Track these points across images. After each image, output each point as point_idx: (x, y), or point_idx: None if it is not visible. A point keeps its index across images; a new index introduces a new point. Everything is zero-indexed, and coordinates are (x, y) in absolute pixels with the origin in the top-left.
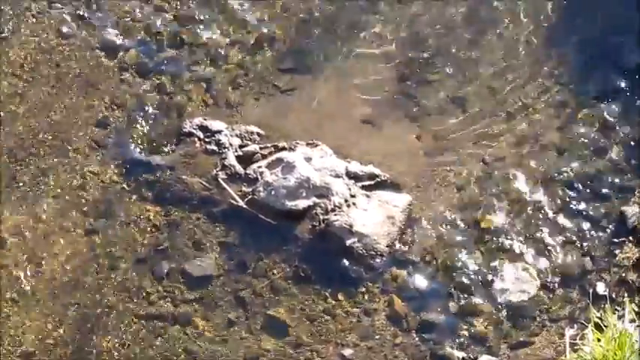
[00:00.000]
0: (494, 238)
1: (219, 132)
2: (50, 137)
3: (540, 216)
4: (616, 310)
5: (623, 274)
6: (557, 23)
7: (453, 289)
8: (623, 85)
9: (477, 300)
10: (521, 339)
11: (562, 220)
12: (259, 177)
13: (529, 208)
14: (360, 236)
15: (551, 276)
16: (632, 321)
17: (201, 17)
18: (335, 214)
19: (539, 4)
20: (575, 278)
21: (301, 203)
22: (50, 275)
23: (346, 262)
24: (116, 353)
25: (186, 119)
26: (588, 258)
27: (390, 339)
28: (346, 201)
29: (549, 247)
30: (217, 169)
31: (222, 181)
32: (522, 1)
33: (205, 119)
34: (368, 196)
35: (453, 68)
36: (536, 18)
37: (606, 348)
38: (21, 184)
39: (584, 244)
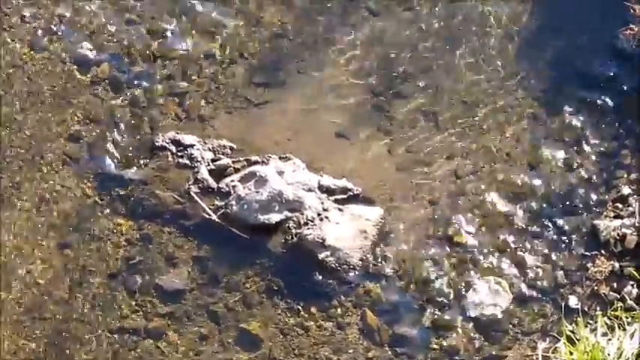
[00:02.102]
0: (467, 252)
1: (192, 146)
2: (22, 151)
3: (513, 230)
4: (588, 323)
5: (596, 288)
6: (530, 37)
7: (425, 303)
8: (594, 99)
9: (450, 313)
10: (494, 352)
11: (534, 233)
12: (232, 191)
13: (501, 222)
14: (332, 250)
15: (523, 289)
16: (605, 334)
17: (174, 31)
18: (308, 228)
19: (512, 18)
20: (548, 292)
21: (274, 217)
22: (22, 289)
23: (319, 276)
24: None
25: (159, 133)
26: (561, 271)
27: (362, 353)
28: (319, 215)
29: (522, 261)
30: (190, 183)
31: (194, 195)
32: (494, 15)
33: (178, 133)
34: (341, 210)
35: (426, 82)
36: (508, 32)
37: None
38: None
39: (557, 257)
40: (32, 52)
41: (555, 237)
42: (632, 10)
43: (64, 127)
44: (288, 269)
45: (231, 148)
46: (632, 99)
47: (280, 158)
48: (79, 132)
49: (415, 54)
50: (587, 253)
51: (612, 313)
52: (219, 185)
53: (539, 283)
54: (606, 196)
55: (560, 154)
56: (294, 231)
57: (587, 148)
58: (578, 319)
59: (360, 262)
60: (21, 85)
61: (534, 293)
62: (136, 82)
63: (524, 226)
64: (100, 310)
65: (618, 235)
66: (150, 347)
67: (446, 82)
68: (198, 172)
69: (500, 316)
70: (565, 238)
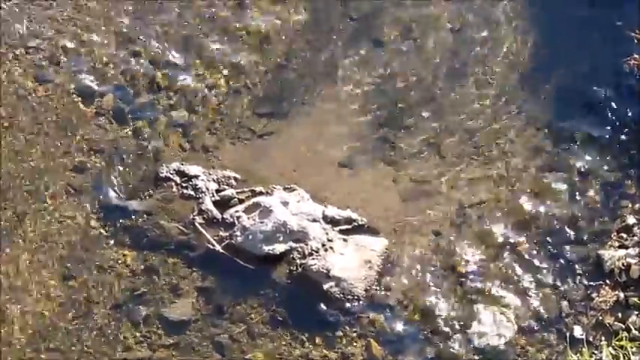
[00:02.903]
0: (471, 282)
1: (196, 177)
2: (27, 182)
3: (517, 260)
4: (593, 353)
5: (600, 318)
6: (533, 67)
7: (430, 334)
8: (598, 129)
9: (454, 344)
10: None
11: (539, 263)
12: (236, 221)
13: (506, 252)
14: (337, 280)
15: (528, 320)
16: None
17: (178, 62)
18: (312, 259)
19: (515, 49)
20: (553, 322)
21: (278, 247)
22: (27, 321)
23: (323, 307)
24: None
25: (163, 164)
26: (565, 301)
27: None
28: (323, 245)
29: (526, 291)
30: (194, 213)
31: (199, 226)
32: (498, 44)
33: (182, 164)
34: (345, 241)
35: (430, 112)
36: (511, 62)
37: None
38: None
39: (561, 287)
40: (36, 84)
41: (560, 267)
42: (636, 40)
43: (68, 158)
44: (292, 300)
45: (236, 179)
46: (635, 128)
47: (285, 189)
48: (83, 163)
49: (419, 85)
50: (591, 283)
51: (617, 343)
52: (224, 216)
53: (543, 313)
54: (611, 226)
55: (564, 184)
56: (298, 261)
57: (591, 177)
58: (583, 349)
59: (365, 293)
60: (25, 116)
61: (539, 323)
62: (140, 114)
63: (528, 256)
64: (104, 342)
65: (623, 265)
66: None
67: (450, 112)
68: (203, 202)
69: (504, 346)
70: (569, 267)
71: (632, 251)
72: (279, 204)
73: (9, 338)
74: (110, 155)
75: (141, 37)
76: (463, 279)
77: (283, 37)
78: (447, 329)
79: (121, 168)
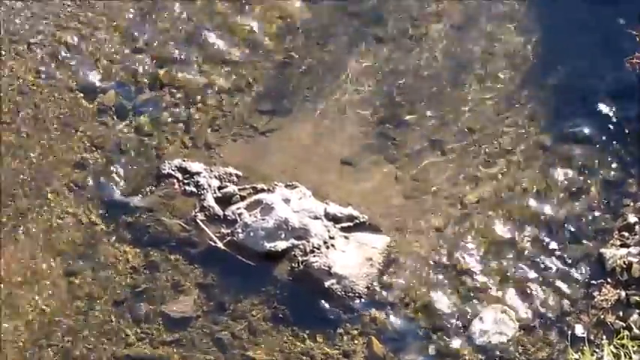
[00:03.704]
0: (473, 280)
1: (198, 173)
2: (29, 178)
3: (519, 258)
4: (594, 352)
5: (602, 316)
6: (535, 65)
7: (431, 331)
8: (599, 127)
9: (456, 342)
10: None
11: (540, 261)
12: (238, 218)
13: (507, 250)
14: (338, 278)
15: (529, 318)
16: None
17: (180, 58)
18: (314, 256)
19: (517, 47)
20: (554, 320)
21: (280, 245)
22: (28, 317)
23: (325, 304)
24: None
25: (165, 161)
26: (566, 300)
27: None
28: (325, 242)
29: (528, 289)
30: (196, 210)
31: (200, 223)
32: (500, 42)
33: (184, 161)
34: (347, 238)
35: (432, 110)
36: (513, 60)
37: None
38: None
39: (563, 286)
40: (39, 80)
41: (561, 265)
42: (637, 39)
43: (70, 155)
44: (294, 297)
45: (238, 176)
46: (637, 127)
47: (286, 186)
48: (85, 159)
49: (421, 82)
50: (593, 281)
51: (618, 341)
52: (226, 213)
53: (545, 311)
54: (612, 225)
55: (566, 182)
56: (300, 259)
57: (592, 176)
58: (584, 347)
59: (366, 290)
60: (27, 113)
61: (540, 321)
62: (142, 110)
63: (529, 254)
64: (105, 338)
65: (624, 263)
66: None
67: (452, 110)
68: (205, 199)
69: (506, 344)
70: (571, 266)
71: (633, 250)
72: (280, 201)
73: (11, 334)
74: (112, 151)
75: (143, 34)
76: (464, 277)
77: (286, 34)
78: (448, 327)
79: (123, 164)
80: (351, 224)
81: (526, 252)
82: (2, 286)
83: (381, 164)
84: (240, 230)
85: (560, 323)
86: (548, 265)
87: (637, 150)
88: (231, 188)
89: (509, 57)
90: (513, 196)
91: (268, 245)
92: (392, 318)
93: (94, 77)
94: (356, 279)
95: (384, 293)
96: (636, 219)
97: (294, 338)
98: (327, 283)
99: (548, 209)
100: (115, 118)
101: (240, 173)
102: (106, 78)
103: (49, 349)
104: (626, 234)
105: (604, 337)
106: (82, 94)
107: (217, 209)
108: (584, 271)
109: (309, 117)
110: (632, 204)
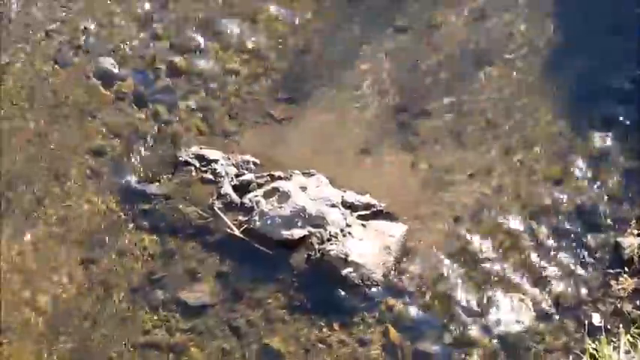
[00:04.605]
0: (490, 269)
1: (216, 161)
2: (46, 165)
3: (535, 246)
4: (611, 341)
5: (619, 305)
6: (554, 54)
7: (448, 320)
8: (618, 116)
9: (472, 330)
10: None
11: (557, 250)
12: (255, 206)
13: (525, 239)
14: (355, 266)
15: (546, 306)
16: (627, 352)
17: (198, 46)
18: (331, 244)
19: (536, 35)
20: (571, 309)
21: (297, 232)
22: (45, 304)
23: (342, 292)
24: None
25: (183, 148)
26: (584, 289)
27: None
28: (342, 230)
29: (545, 278)
30: (213, 198)
31: (218, 210)
32: (519, 31)
33: (202, 148)
34: (364, 226)
35: (450, 99)
36: (532, 49)
37: None
38: (17, 212)
39: (580, 274)
40: (56, 67)
41: (578, 254)
42: None
43: (87, 142)
44: (310, 285)
45: (255, 164)
46: None
47: (303, 174)
48: (102, 147)
49: (439, 71)
50: (610, 270)
51: (635, 330)
52: (243, 200)
53: (562, 300)
54: (630, 213)
55: (584, 171)
56: (317, 247)
57: (610, 164)
58: (601, 336)
59: (383, 279)
60: (46, 100)
61: (557, 310)
62: (159, 97)
63: (547, 242)
64: (123, 325)
65: None
66: None
67: (470, 98)
68: (222, 187)
69: (522, 333)
70: (588, 255)
71: None
72: (297, 189)
73: (28, 322)
74: (129, 139)
75: (161, 21)
76: (481, 265)
77: (303, 22)
78: (464, 315)
79: (141, 152)
80: (368, 212)
81: (543, 240)
82: (19, 273)
83: (399, 153)
84: (257, 218)
85: (577, 312)
86: (565, 254)
87: None
88: (249, 176)
89: (529, 45)
90: (531, 185)
91: (285, 233)
92: (409, 306)
93: (112, 64)
94: (373, 267)
95: (401, 281)
96: None
97: (311, 326)
98: (343, 272)
99: (566, 198)
100: (132, 105)
101: (257, 161)
102: (123, 65)
103: (66, 337)
104: None
105: (621, 326)
106: (99, 82)
107: (234, 197)
108: (601, 260)
109: (327, 105)
110: None
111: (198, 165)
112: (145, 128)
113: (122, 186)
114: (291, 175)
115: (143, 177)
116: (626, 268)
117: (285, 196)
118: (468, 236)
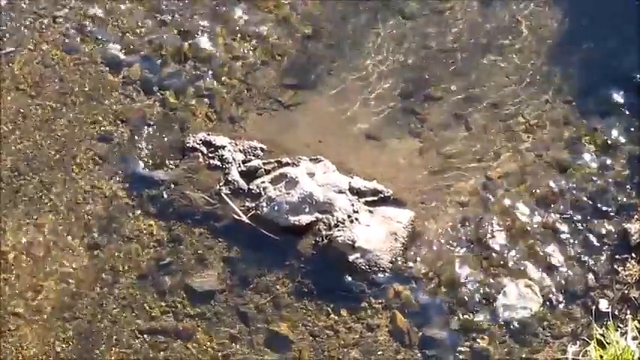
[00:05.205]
0: (497, 255)
1: (223, 147)
2: (54, 152)
3: (543, 233)
4: (619, 327)
5: (626, 292)
6: (560, 41)
7: (455, 306)
8: (625, 103)
9: (479, 316)
10: (524, 356)
11: (565, 237)
12: (262, 192)
13: (532, 225)
14: (362, 252)
15: (554, 293)
16: (635, 338)
17: (205, 32)
18: (338, 230)
19: (543, 22)
20: (578, 295)
21: (304, 219)
22: (53, 289)
23: (349, 278)
24: None
25: (190, 134)
26: (591, 275)
27: (392, 355)
28: (349, 217)
29: (552, 264)
30: (221, 184)
31: (225, 197)
32: (525, 18)
33: (209, 134)
34: (371, 212)
35: (457, 85)
36: (539, 35)
37: None
38: (24, 198)
39: (587, 261)
40: (64, 53)
41: (585, 240)
42: None
43: (95, 128)
44: (318, 271)
45: (262, 150)
46: None
47: (311, 160)
48: (109, 133)
49: (446, 57)
50: (617, 256)
51: None
52: (250, 187)
53: (569, 286)
54: (637, 200)
55: (591, 158)
56: (324, 233)
57: (617, 151)
58: (609, 322)
59: (390, 265)
60: (53, 86)
61: (564, 297)
62: (166, 83)
63: (554, 229)
64: (130, 311)
65: None
66: (179, 348)
67: (477, 85)
68: (229, 173)
69: (530, 319)
70: (595, 241)
71: None
72: (305, 175)
73: (35, 307)
74: (137, 125)
75: (168, 7)
76: (488, 251)
77: (311, 9)
78: (472, 302)
79: (148, 138)
80: (375, 198)
81: (550, 227)
82: (26, 258)
83: (405, 139)
84: (264, 204)
85: (584, 298)
86: (572, 240)
87: None
88: (256, 162)
89: (534, 31)
90: (538, 172)
91: (292, 219)
92: (416, 292)
93: (119, 51)
94: (380, 253)
95: (408, 267)
96: None
97: (318, 312)
98: (351, 257)
99: (572, 184)
100: (139, 91)
101: (264, 147)
102: (130, 51)
103: (73, 322)
104: None
105: (628, 312)
106: (107, 68)
107: (242, 183)
108: (608, 247)
109: (334, 91)
110: None
111: (205, 151)
112: (152, 114)
113: (129, 172)
114: (298, 161)
115: (150, 163)
116: (633, 255)
117: (292, 182)
118: (476, 222)
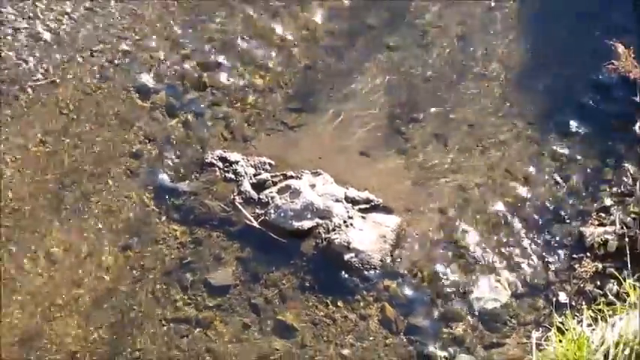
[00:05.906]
0: (472, 254)
1: (237, 162)
2: (92, 166)
3: (510, 235)
4: (575, 316)
5: (582, 285)
6: (525, 70)
7: (435, 297)
8: (580, 125)
9: (457, 307)
10: (494, 340)
11: (529, 238)
12: (270, 201)
13: (501, 229)
14: (356, 252)
15: (520, 286)
16: (589, 325)
17: (221, 64)
18: (335, 233)
19: (511, 54)
20: (541, 288)
21: (306, 224)
22: (91, 284)
23: (345, 274)
24: (147, 352)
25: (208, 151)
26: (552, 271)
27: (382, 340)
28: (345, 222)
29: (518, 262)
30: (234, 194)
31: (238, 205)
32: (496, 50)
33: (225, 151)
34: (364, 218)
35: (437, 108)
36: (506, 66)
37: (567, 348)
38: (67, 206)
39: (548, 259)
40: (100, 82)
41: (547, 241)
42: (613, 48)
43: (127, 146)
44: (318, 268)
45: (270, 165)
46: (612, 123)
47: (312, 173)
48: (139, 150)
49: (427, 84)
50: (574, 255)
51: (596, 307)
52: (260, 196)
53: (533, 281)
54: (591, 207)
55: (552, 170)
56: (323, 236)
57: (574, 165)
58: (567, 312)
59: (380, 263)
60: (90, 110)
61: (529, 290)
62: (188, 108)
63: (519, 231)
64: (157, 303)
65: (601, 240)
66: (199, 335)
67: (454, 108)
68: (242, 185)
69: (500, 309)
70: (555, 242)
71: (609, 228)
72: (307, 186)
73: (76, 300)
74: (163, 143)
75: (190, 43)
76: (464, 251)
77: (312, 43)
78: (450, 294)
79: (172, 154)
80: (367, 206)
81: (517, 230)
82: (69, 257)
83: (393, 155)
84: (272, 211)
85: (546, 291)
86: (536, 242)
87: (612, 143)
88: (265, 175)
89: (503, 62)
90: (507, 183)
91: (296, 224)
92: (402, 286)
93: (148, 80)
94: (371, 253)
95: (396, 265)
96: (611, 202)
97: (319, 304)
98: (346, 257)
99: (536, 193)
100: (165, 114)
101: (272, 162)
102: (157, 80)
103: (109, 311)
104: (603, 215)
105: (583, 303)
106: (137, 94)
107: (253, 193)
108: (566, 247)
109: (332, 114)
110: (608, 189)
111: (221, 166)
112: (175, 134)
113: (156, 184)
114: (301, 175)
115: (174, 176)
116: (588, 254)
117: (296, 193)
118: (453, 226)
